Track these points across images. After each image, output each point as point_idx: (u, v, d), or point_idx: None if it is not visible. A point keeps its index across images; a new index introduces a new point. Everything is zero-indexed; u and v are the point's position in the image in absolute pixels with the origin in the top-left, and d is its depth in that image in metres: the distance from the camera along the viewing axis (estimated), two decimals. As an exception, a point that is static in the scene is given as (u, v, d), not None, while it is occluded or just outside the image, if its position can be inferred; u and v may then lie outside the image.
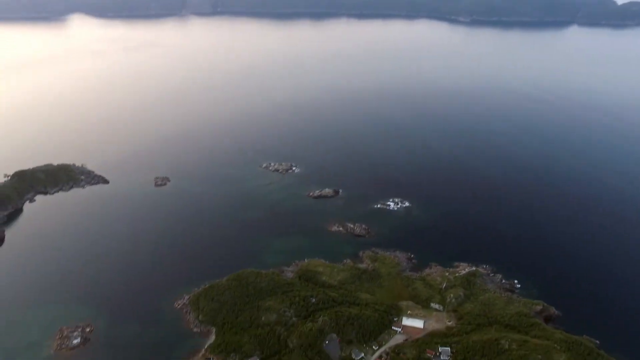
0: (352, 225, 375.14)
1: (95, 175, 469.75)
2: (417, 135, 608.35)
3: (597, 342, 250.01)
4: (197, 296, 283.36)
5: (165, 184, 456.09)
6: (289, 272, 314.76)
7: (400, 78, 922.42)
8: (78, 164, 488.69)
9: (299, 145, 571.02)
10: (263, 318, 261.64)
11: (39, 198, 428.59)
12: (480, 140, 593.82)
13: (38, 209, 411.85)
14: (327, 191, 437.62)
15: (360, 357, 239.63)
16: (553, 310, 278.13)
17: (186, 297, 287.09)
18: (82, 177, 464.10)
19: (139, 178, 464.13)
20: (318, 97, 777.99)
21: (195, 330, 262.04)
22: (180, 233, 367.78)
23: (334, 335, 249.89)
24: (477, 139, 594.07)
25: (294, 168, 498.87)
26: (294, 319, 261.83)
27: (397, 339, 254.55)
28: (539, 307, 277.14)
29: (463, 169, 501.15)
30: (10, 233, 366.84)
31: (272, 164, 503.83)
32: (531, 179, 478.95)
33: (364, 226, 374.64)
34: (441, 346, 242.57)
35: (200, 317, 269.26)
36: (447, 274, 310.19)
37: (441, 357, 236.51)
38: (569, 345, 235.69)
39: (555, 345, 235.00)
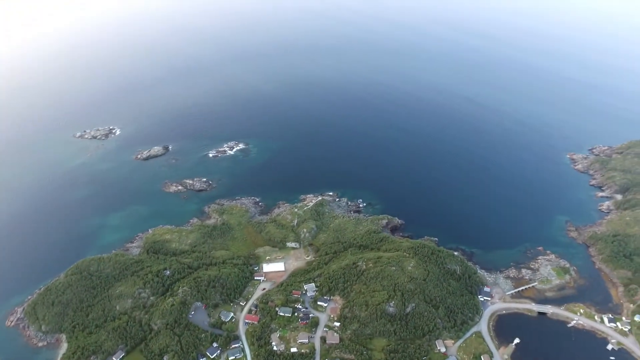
0: (190, 181, 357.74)
1: None
2: (239, 79, 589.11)
3: (436, 239, 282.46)
4: (32, 305, 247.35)
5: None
6: (135, 249, 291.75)
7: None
8: None
9: (116, 104, 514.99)
10: (118, 307, 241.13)
11: None
12: (300, 79, 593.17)
13: None
14: (156, 149, 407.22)
15: (230, 317, 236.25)
16: (397, 221, 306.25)
17: (19, 309, 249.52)
18: None
19: None
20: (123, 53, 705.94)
21: (40, 344, 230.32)
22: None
23: (199, 304, 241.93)
24: (298, 79, 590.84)
25: (114, 131, 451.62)
26: (151, 298, 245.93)
27: (262, 288, 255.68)
28: (384, 221, 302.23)
29: (289, 105, 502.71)
30: None
31: (88, 130, 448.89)
32: (358, 108, 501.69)
33: (203, 179, 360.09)
34: (305, 284, 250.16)
35: (42, 327, 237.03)
36: (296, 209, 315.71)
37: (308, 294, 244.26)
38: (415, 250, 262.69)
39: (405, 253, 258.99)
